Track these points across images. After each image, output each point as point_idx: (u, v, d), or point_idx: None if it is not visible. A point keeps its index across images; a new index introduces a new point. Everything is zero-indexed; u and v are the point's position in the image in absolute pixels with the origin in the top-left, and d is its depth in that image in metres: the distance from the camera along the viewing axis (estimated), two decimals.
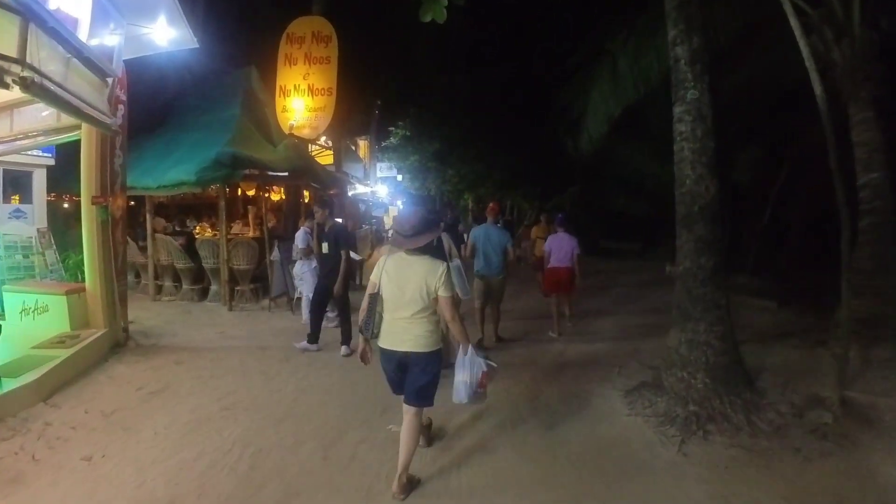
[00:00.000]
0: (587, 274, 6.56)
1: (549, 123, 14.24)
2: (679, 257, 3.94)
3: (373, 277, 2.68)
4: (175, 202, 11.66)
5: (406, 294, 2.56)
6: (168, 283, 8.21)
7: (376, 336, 2.68)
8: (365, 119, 20.30)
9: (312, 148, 15.69)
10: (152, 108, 10.66)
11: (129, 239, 9.54)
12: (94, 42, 4.33)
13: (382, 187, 22.88)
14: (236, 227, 9.59)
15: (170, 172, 7.07)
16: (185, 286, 8.09)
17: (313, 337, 5.47)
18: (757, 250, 10.45)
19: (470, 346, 2.67)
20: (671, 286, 4.27)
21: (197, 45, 5.92)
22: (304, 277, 6.42)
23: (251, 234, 8.80)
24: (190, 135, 8.29)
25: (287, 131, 8.18)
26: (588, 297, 8.01)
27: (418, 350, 2.59)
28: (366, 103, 19.94)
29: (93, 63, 4.34)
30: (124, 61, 5.34)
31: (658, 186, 11.66)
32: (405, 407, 2.69)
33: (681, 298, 3.89)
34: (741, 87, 7.94)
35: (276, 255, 7.16)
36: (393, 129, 18.90)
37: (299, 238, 6.37)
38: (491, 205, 5.75)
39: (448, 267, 2.61)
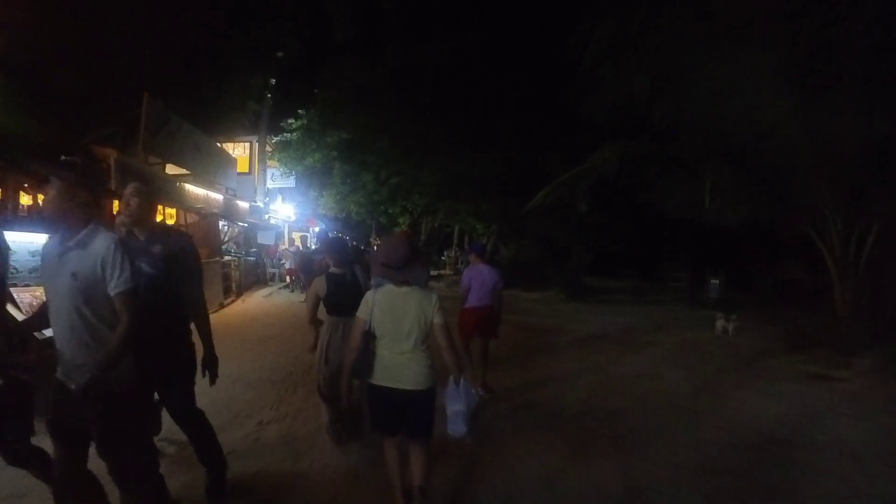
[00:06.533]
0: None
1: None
2: None
3: (360, 314, 2.54)
4: None
5: (405, 326, 2.49)
6: None
7: (369, 376, 2.51)
8: (250, 115, 14.95)
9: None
10: None
11: None
12: None
13: (286, 206, 17.35)
14: None
15: None
16: None
17: None
18: None
19: (462, 377, 2.54)
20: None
21: None
22: None
23: None
24: None
25: None
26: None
27: (420, 388, 2.48)
28: (251, 88, 14.76)
29: None
30: None
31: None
32: (412, 444, 2.58)
33: None
34: None
35: None
36: (290, 121, 13.87)
37: None
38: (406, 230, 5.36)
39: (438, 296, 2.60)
